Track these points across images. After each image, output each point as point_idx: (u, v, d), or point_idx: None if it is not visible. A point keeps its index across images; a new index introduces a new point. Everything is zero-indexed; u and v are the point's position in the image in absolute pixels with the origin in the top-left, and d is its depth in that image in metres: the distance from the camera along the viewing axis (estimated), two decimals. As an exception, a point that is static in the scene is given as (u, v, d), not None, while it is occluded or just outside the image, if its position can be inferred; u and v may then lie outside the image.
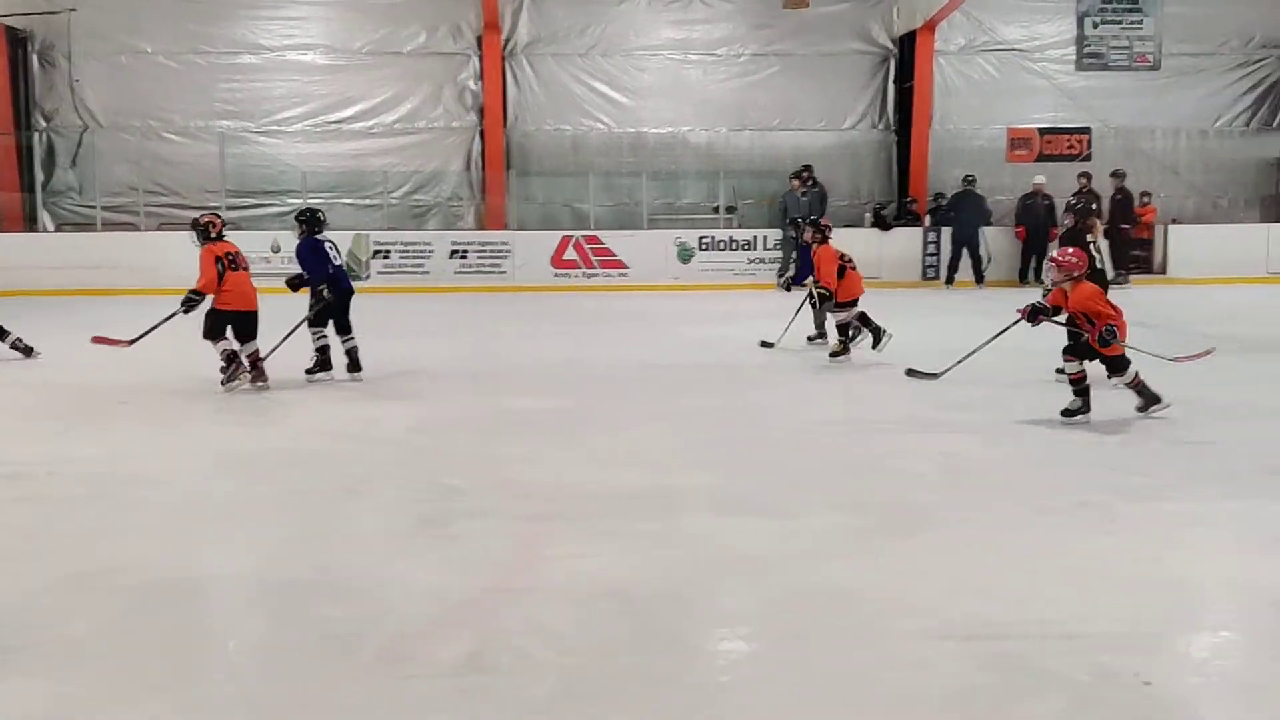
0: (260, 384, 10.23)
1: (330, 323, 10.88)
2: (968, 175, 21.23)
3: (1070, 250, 9.08)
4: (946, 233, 21.12)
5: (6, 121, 22.16)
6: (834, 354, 11.63)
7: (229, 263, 10.26)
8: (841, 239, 20.72)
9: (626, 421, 8.90)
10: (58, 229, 22.37)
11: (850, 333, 11.69)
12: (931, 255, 21.17)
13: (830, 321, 12.05)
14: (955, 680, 4.16)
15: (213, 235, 10.43)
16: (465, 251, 21.11)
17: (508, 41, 22.82)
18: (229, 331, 10.20)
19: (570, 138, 23.11)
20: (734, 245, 21.15)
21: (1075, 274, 8.83)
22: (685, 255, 21.04)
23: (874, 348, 11.54)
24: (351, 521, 6.30)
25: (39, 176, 22.63)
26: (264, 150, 22.81)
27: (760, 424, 8.88)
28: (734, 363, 11.47)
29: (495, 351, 12.90)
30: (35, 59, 22.71)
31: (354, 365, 10.84)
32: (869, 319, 11.72)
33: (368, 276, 20.84)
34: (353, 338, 10.95)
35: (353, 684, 4.13)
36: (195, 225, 10.59)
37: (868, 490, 6.82)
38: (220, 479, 7.21)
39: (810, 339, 12.69)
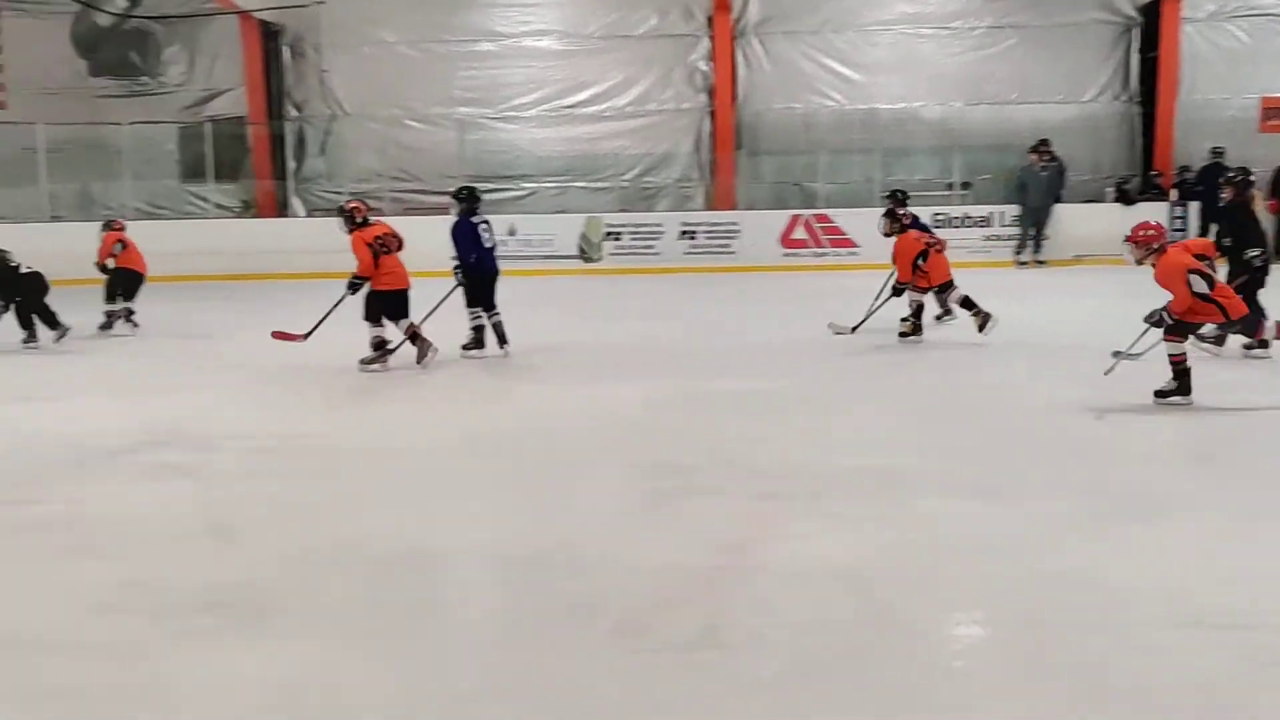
0: (428, 355, 10.53)
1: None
2: (1216, 147, 20.29)
3: (1148, 223, 8.73)
4: (1194, 207, 20.25)
5: (260, 111, 23.23)
6: (903, 334, 11.50)
7: (379, 246, 10.64)
8: (1082, 214, 20.31)
9: (850, 402, 8.86)
10: (308, 214, 23.36)
11: (943, 312, 11.95)
12: (1179, 230, 20.32)
13: (953, 300, 11.79)
14: (1197, 670, 4.03)
15: (358, 221, 10.82)
16: (694, 232, 21.21)
17: (738, 21, 22.79)
18: (383, 316, 10.57)
19: (800, 116, 22.96)
20: (968, 222, 20.71)
21: (1155, 246, 8.41)
22: (919, 232, 20.70)
23: (980, 331, 11.21)
24: (585, 497, 6.44)
25: (290, 164, 23.69)
26: (500, 135, 23.34)
27: (983, 405, 8.71)
28: (961, 341, 11.25)
29: (724, 331, 12.95)
30: (287, 51, 23.73)
31: (501, 339, 11.15)
32: (972, 302, 11.39)
33: (600, 259, 21.15)
34: (498, 313, 11.25)
35: (590, 655, 4.23)
36: (341, 212, 10.99)
37: (1100, 473, 6.62)
38: (461, 454, 7.46)
39: (937, 318, 12.39)
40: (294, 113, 23.85)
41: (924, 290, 11.63)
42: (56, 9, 22.69)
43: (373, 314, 10.62)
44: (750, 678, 4.02)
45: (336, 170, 23.45)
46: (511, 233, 20.81)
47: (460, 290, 11.30)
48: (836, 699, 3.89)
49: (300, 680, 4.04)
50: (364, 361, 10.49)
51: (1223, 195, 11.29)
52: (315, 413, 8.84)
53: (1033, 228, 20.14)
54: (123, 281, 13.46)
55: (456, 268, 11.27)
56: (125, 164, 22.19)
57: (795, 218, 21.06)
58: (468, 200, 11.45)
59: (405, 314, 10.65)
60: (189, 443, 7.69)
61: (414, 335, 10.62)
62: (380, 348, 10.58)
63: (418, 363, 10.48)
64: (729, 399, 8.97)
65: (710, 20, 22.66)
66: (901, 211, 12.14)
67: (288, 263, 20.40)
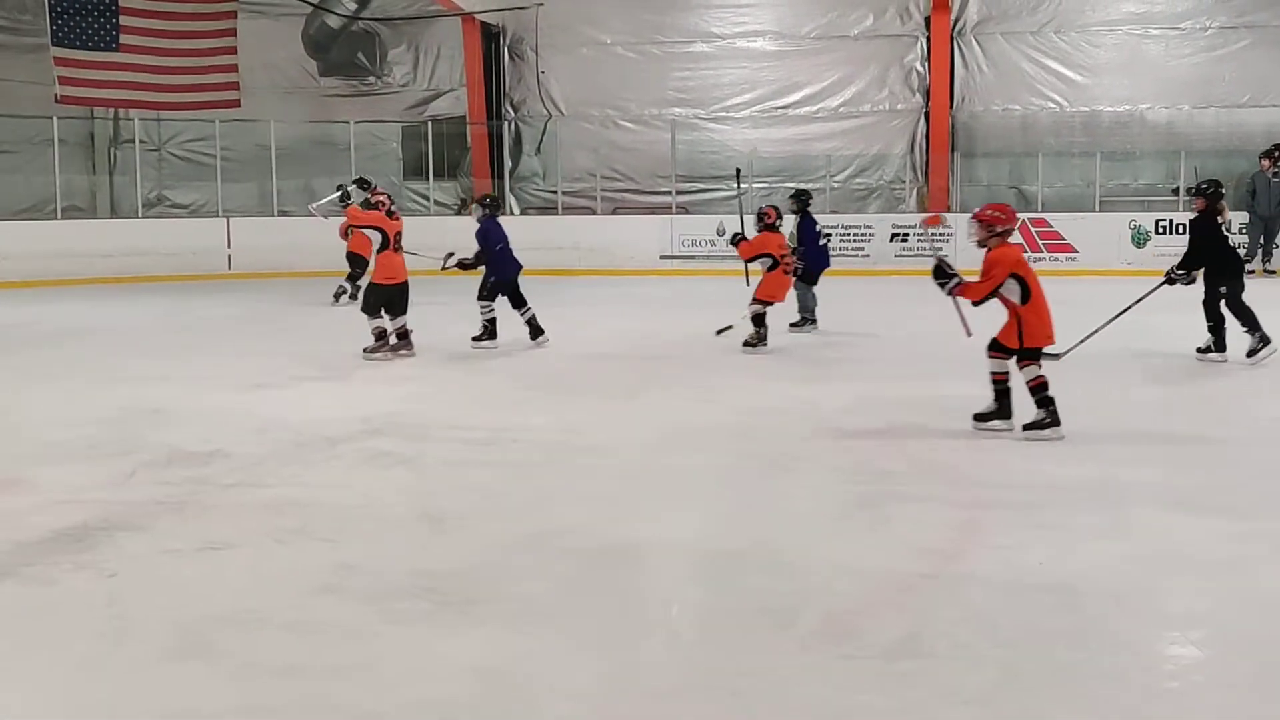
0: (405, 353, 11.04)
1: (505, 298, 11.78)
2: None
3: (999, 204, 8.22)
4: None
5: (480, 111, 23.80)
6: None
7: (396, 241, 11.29)
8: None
9: (1066, 410, 8.61)
10: (523, 212, 23.83)
11: None
12: None
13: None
14: None
15: (389, 210, 11.90)
16: (906, 235, 20.94)
17: (956, 21, 22.41)
18: (383, 308, 11.08)
19: (1019, 118, 22.46)
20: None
21: (998, 229, 7.72)
22: (1140, 239, 20.01)
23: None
24: (786, 497, 6.43)
25: (507, 163, 24.20)
26: (712, 136, 23.42)
27: (1208, 417, 8.39)
28: (1180, 352, 10.82)
29: (933, 335, 12.73)
30: (506, 53, 24.26)
31: (535, 332, 11.82)
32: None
33: (809, 260, 21.03)
34: (529, 309, 11.87)
35: (788, 656, 4.22)
36: (366, 205, 12.03)
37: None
38: (666, 450, 7.52)
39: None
40: (511, 113, 24.37)
41: None
42: (290, 11, 23.63)
43: (371, 306, 11.18)
44: (954, 689, 3.95)
45: (550, 169, 23.87)
46: (720, 233, 20.83)
47: (479, 284, 11.86)
48: (1043, 717, 3.79)
49: (504, 668, 4.12)
50: (367, 350, 11.08)
51: (1192, 206, 11.08)
52: (526, 406, 9.00)
53: (1262, 236, 19.26)
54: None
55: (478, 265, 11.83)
56: (350, 161, 22.96)
57: (1011, 221, 20.61)
58: (491, 206, 12.09)
59: (403, 309, 11.14)
60: (405, 432, 7.93)
61: (403, 333, 11.12)
62: (381, 338, 11.12)
63: (365, 353, 11.07)
64: (935, 403, 8.83)
65: (928, 20, 22.34)
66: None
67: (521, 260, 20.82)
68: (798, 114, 23.23)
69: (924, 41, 22.56)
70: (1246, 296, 10.46)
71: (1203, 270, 10.39)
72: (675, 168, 22.49)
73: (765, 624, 4.52)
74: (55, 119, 21.48)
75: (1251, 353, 10.31)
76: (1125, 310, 10.06)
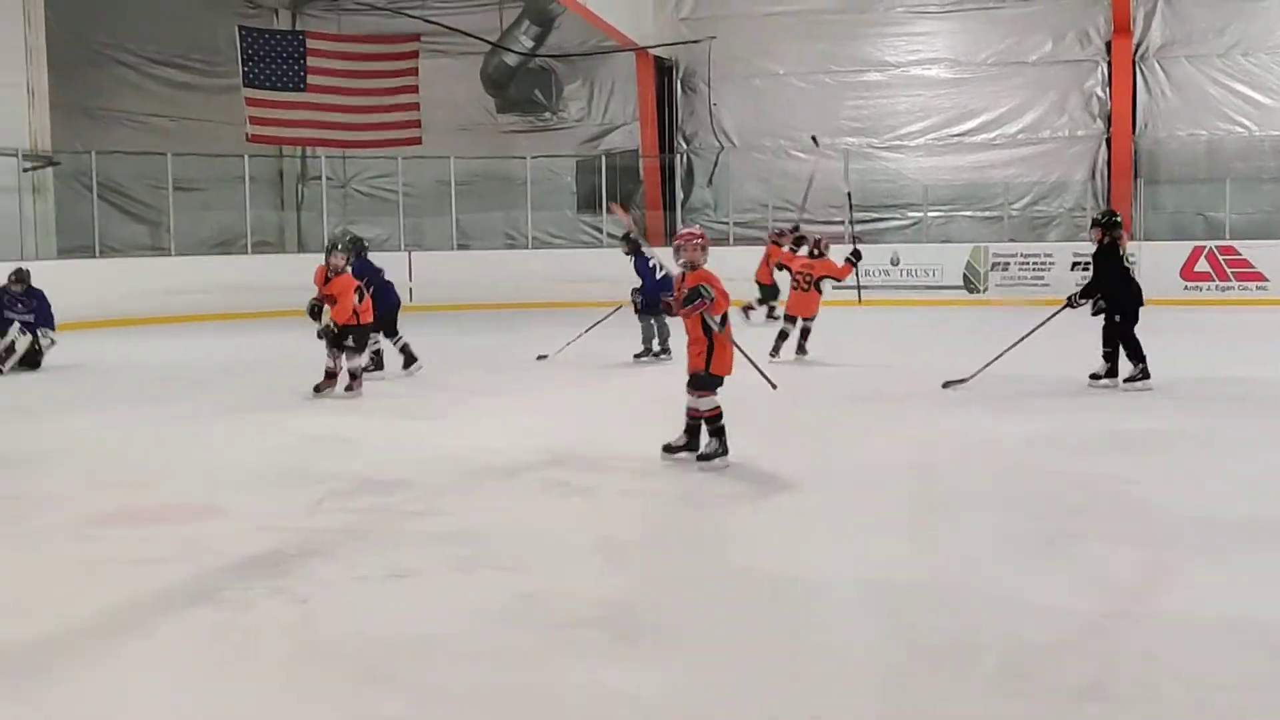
0: (355, 392, 11.25)
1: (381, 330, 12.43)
2: None
3: (692, 228, 8.08)
4: None
5: (653, 145, 24.05)
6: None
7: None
8: None
9: (1265, 443, 8.32)
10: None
11: None
12: None
13: None
14: None
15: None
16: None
17: (1139, 45, 21.90)
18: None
19: (1205, 143, 21.82)
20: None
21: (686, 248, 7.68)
22: (1335, 266, 19.25)
23: None
24: (967, 532, 6.32)
25: (679, 195, 24.38)
26: (886, 165, 23.27)
27: None
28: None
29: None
30: (679, 86, 24.48)
31: (409, 360, 12.60)
32: None
33: (985, 290, 20.71)
34: (402, 337, 12.69)
35: (969, 698, 4.15)
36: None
37: None
38: (841, 482, 7.48)
39: None
40: (684, 145, 24.56)
41: None
42: (469, 50, 24.23)
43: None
44: (1142, 733, 3.85)
45: (722, 200, 23.98)
46: (894, 262, 20.71)
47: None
48: (1237, 763, 3.67)
49: (680, 700, 4.14)
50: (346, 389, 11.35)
51: (1092, 236, 11.30)
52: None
53: None
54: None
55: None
56: (527, 195, 23.39)
57: (1198, 249, 20.01)
58: (356, 247, 12.77)
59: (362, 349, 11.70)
60: (581, 463, 8.04)
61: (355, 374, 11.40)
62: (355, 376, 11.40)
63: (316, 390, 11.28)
64: (1121, 438, 8.61)
65: (1108, 45, 21.89)
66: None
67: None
68: (974, 141, 22.95)
69: (1105, 66, 22.09)
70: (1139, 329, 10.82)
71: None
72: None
73: (944, 663, 4.46)
74: (246, 157, 22.37)
75: (1129, 379, 10.75)
76: (1026, 336, 10.77)
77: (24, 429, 10.03)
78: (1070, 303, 10.94)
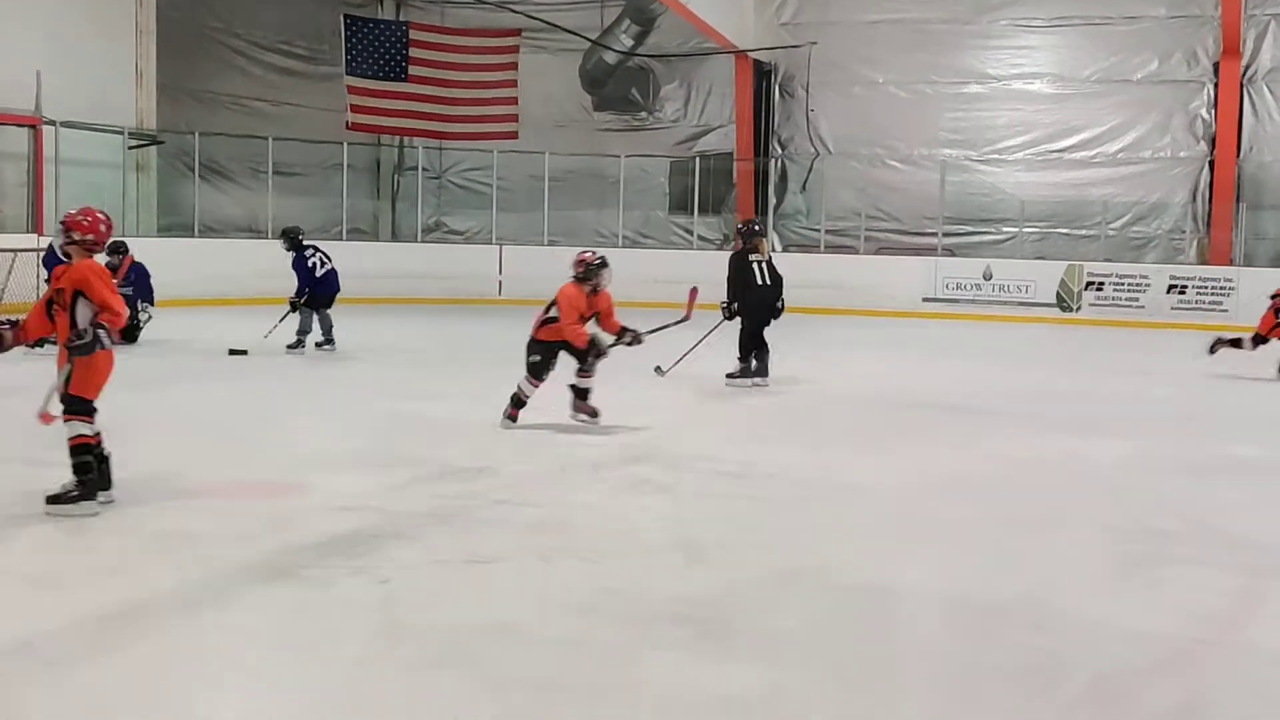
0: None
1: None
2: None
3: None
4: None
5: (748, 148, 23.98)
6: None
7: None
8: None
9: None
10: (785, 249, 23.86)
11: None
12: None
13: None
14: None
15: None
16: (1184, 287, 20.12)
17: (1247, 68, 21.47)
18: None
19: (1310, 168, 21.36)
20: None
21: (86, 238, 6.35)
22: None
23: None
24: (1052, 552, 6.22)
25: (772, 200, 24.28)
26: (983, 178, 23.02)
27: None
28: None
29: (1209, 392, 12.20)
30: (777, 90, 24.38)
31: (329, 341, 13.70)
32: None
33: (1078, 308, 20.42)
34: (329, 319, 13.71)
35: (1057, 717, 4.08)
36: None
37: None
38: (923, 494, 7.39)
39: None
40: (779, 149, 24.46)
41: None
42: (569, 47, 24.32)
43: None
44: (1231, 763, 3.75)
45: (815, 207, 23.85)
46: (987, 277, 20.48)
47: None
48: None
49: (756, 701, 4.10)
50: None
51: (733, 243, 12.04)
52: (780, 442, 8.99)
53: None
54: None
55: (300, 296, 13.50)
56: (619, 194, 23.43)
57: (1300, 276, 19.55)
58: (294, 240, 13.69)
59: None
60: (662, 461, 8.02)
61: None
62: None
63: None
64: (1214, 464, 8.44)
65: (1216, 66, 21.47)
66: None
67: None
68: (1073, 158, 22.62)
69: (1211, 88, 21.67)
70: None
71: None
72: (944, 209, 22.16)
73: (1027, 682, 4.38)
74: (345, 144, 22.62)
75: (730, 376, 11.60)
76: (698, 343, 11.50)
77: (119, 400, 10.14)
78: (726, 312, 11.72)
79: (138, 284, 13.94)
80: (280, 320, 13.61)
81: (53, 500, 6.25)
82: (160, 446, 8.25)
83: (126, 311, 6.32)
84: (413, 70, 23.55)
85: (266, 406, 10.06)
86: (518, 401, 9.12)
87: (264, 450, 8.21)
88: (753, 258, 11.78)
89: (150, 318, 13.99)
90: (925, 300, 21.04)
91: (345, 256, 21.05)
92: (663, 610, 4.97)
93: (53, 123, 18.17)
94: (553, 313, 9.17)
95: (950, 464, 8.37)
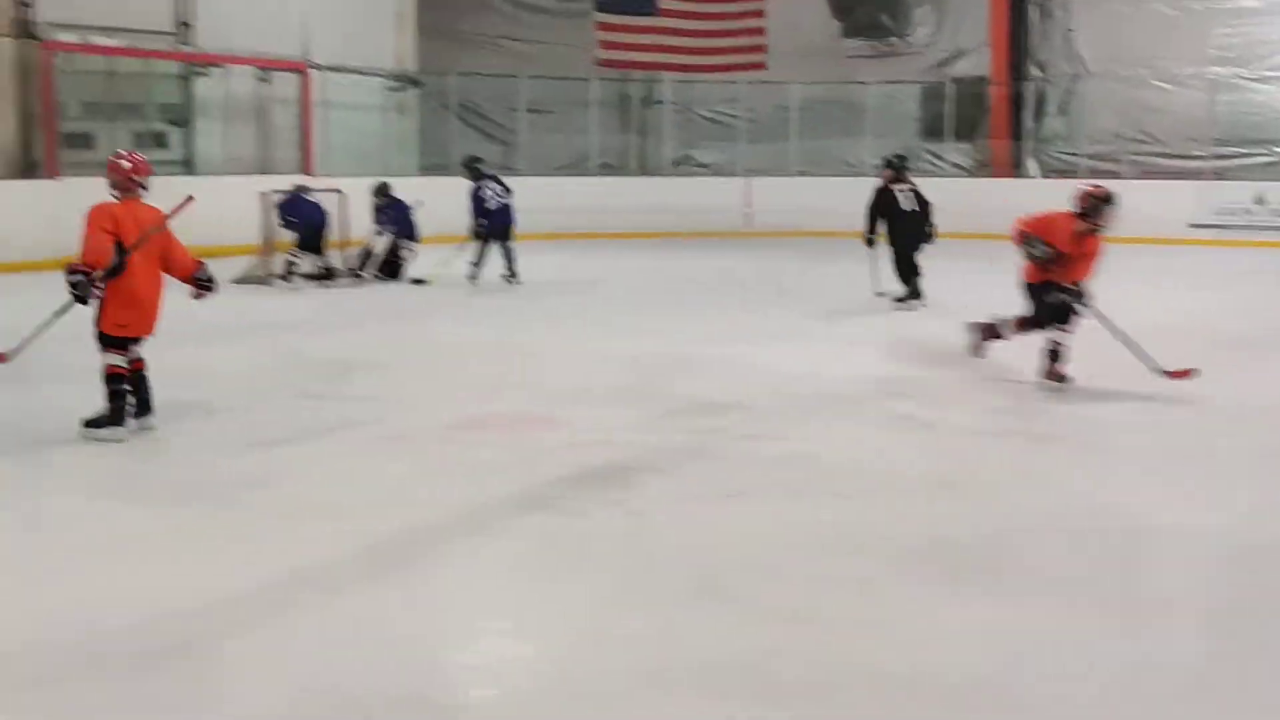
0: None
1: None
2: None
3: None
4: None
5: (1002, 71, 23.22)
6: None
7: None
8: None
9: None
10: (1044, 176, 23.09)
11: None
12: None
13: None
14: None
15: None
16: None
17: None
18: None
19: None
20: None
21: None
22: None
23: None
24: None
25: (1028, 125, 23.48)
26: (1255, 98, 21.73)
27: None
28: None
29: None
30: (1034, 11, 23.49)
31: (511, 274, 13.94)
32: None
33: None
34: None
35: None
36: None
37: None
38: (1202, 432, 7.15)
39: None
40: (1035, 72, 23.59)
41: None
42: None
43: None
44: None
45: (1075, 131, 22.96)
46: (1259, 202, 19.41)
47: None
48: None
49: (1018, 642, 4.04)
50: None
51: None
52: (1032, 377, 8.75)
53: None
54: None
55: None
56: (868, 123, 23.04)
57: None
58: (473, 169, 14.19)
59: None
60: (922, 397, 7.88)
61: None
62: None
63: None
64: None
65: None
66: None
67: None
68: (1361, 74, 21.15)
69: None
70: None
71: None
72: (1214, 130, 21.04)
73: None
74: (594, 80, 22.84)
75: (897, 300, 12.07)
76: None
77: (386, 335, 10.64)
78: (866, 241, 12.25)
79: (399, 222, 14.43)
80: (457, 252, 14.04)
81: (87, 424, 6.54)
82: (425, 379, 8.60)
83: (95, 258, 6.33)
84: (663, 4, 23.57)
85: (524, 341, 10.32)
86: (1055, 355, 8.08)
87: (522, 384, 8.41)
88: (896, 188, 12.41)
89: (413, 254, 14.46)
90: (1192, 226, 20.04)
91: (594, 192, 21.52)
92: (923, 548, 4.93)
93: (319, 67, 18.93)
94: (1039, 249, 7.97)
95: (1226, 399, 7.96)
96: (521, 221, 14.26)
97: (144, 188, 6.69)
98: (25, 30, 16.04)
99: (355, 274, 14.25)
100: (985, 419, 7.41)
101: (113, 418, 6.54)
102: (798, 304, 12.52)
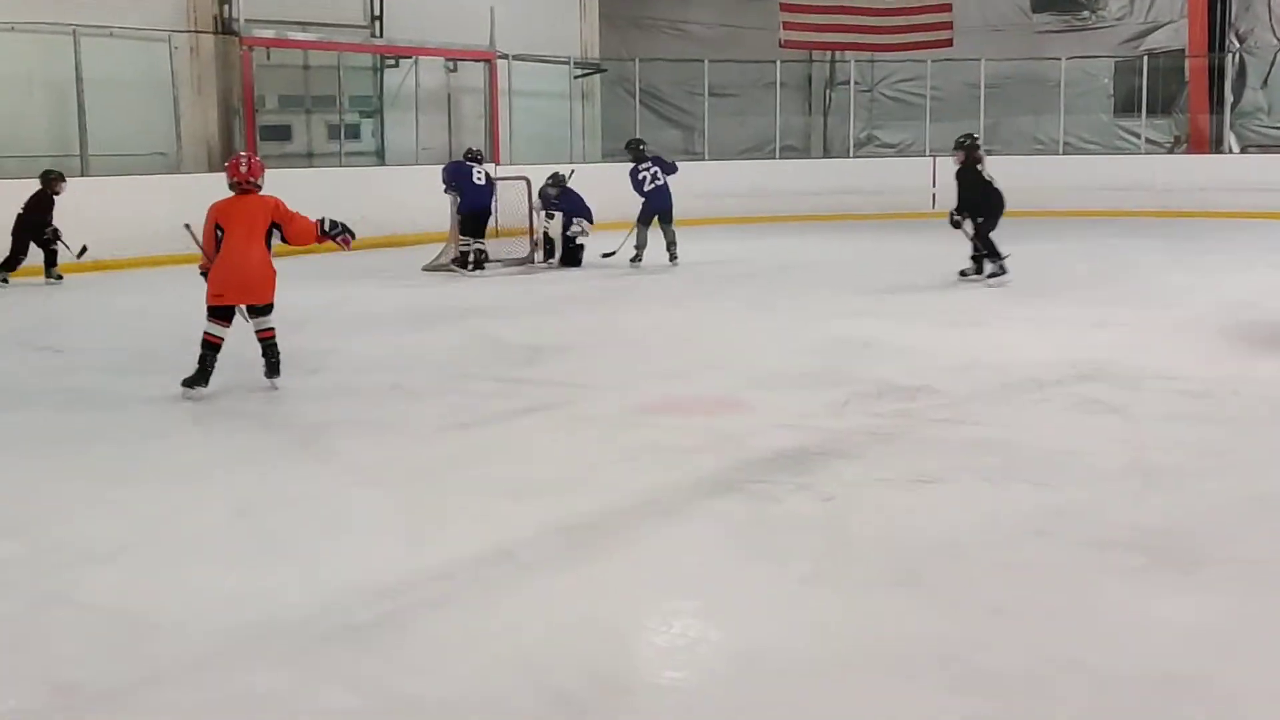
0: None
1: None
2: None
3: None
4: None
5: (1201, 44, 22.39)
6: None
7: None
8: None
9: None
10: (1243, 150, 22.22)
11: None
12: None
13: None
14: None
15: None
16: None
17: None
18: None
19: None
20: None
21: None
22: None
23: None
24: None
25: (1228, 98, 22.60)
26: None
27: None
28: None
29: None
30: (1237, -20, 22.63)
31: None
32: None
33: None
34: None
35: None
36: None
37: None
38: None
39: None
40: (1236, 44, 22.70)
41: None
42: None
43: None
44: None
45: (1277, 104, 22.03)
46: None
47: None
48: None
49: (1220, 633, 3.90)
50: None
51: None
52: (1244, 358, 8.43)
53: None
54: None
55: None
56: (1060, 99, 22.47)
57: None
58: (636, 150, 14.39)
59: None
60: (1115, 380, 7.66)
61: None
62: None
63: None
64: None
65: None
66: None
67: (1216, 200, 19.59)
68: None
69: None
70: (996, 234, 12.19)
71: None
72: None
73: None
74: (778, 63, 22.72)
75: (991, 276, 12.21)
76: None
77: (573, 319, 10.79)
78: (952, 222, 12.33)
79: (570, 208, 14.53)
80: (628, 235, 14.19)
81: (183, 383, 7.43)
82: (612, 362, 8.71)
83: (207, 250, 7.63)
84: (846, -17, 23.35)
85: (709, 325, 10.35)
86: None
87: (709, 367, 8.44)
88: (979, 168, 12.55)
89: (584, 232, 14.54)
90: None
91: (779, 175, 21.44)
92: (1118, 536, 4.79)
93: (505, 56, 19.24)
94: None
95: None
96: (704, 206, 14.32)
97: (258, 186, 7.71)
98: (225, 27, 16.67)
99: (539, 260, 14.45)
100: (1177, 401, 7.16)
101: (197, 377, 7.40)
102: (982, 285, 12.27)
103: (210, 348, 7.42)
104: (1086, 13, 24.02)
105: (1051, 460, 5.92)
